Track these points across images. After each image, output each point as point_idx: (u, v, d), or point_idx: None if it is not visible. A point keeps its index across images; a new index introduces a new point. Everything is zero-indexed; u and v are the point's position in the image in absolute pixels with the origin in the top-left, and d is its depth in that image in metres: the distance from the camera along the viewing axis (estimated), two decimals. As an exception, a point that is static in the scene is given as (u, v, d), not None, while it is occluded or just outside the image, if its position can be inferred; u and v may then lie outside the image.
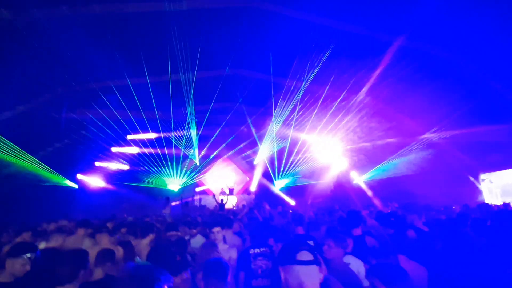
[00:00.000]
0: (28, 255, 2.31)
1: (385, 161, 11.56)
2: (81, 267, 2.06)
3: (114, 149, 13.43)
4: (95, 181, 13.01)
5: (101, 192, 12.76)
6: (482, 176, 11.17)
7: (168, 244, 2.89)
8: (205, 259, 2.16)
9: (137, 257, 2.86)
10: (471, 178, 11.16)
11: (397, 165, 11.33)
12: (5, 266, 2.25)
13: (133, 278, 1.20)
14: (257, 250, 2.96)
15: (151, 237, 3.52)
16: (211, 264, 1.83)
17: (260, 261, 2.89)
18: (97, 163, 13.08)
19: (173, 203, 11.41)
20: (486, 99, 8.26)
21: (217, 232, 3.27)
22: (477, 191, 11.04)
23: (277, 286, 2.62)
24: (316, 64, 7.52)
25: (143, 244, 3.35)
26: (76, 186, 12.51)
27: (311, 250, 1.33)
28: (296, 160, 13.48)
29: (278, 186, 14.48)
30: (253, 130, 14.20)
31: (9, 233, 4.95)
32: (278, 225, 5.16)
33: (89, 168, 12.83)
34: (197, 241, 3.59)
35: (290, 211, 7.42)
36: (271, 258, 2.93)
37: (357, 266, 2.52)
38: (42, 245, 3.33)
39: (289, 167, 13.89)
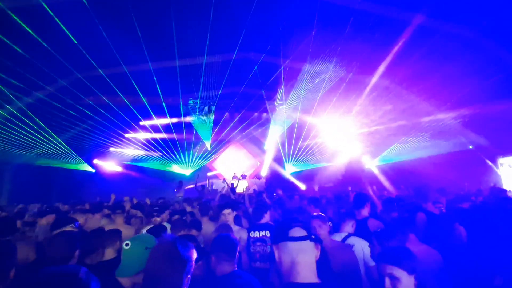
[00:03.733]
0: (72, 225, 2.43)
1: (397, 144, 11.32)
2: (75, 248, 1.92)
3: (127, 135, 13.74)
4: (110, 166, 13.45)
5: (116, 177, 13.21)
6: (501, 160, 10.75)
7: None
8: None
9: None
10: (489, 162, 10.78)
11: (410, 148, 11.08)
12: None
13: (173, 246, 1.27)
14: (256, 235, 2.99)
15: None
16: (221, 239, 1.89)
17: (258, 246, 2.94)
18: (111, 149, 13.47)
19: (187, 187, 11.68)
20: (506, 78, 7.81)
21: (228, 213, 3.31)
22: (495, 176, 10.68)
23: (275, 269, 2.66)
24: (327, 44, 7.26)
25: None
26: (93, 170, 13.03)
27: (305, 227, 1.31)
28: (307, 145, 13.40)
29: (288, 170, 14.53)
30: (264, 115, 14.13)
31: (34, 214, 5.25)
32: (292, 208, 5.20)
33: (104, 153, 13.25)
34: (206, 225, 3.57)
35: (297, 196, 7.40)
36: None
37: (361, 247, 2.55)
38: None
39: (300, 152, 13.85)
